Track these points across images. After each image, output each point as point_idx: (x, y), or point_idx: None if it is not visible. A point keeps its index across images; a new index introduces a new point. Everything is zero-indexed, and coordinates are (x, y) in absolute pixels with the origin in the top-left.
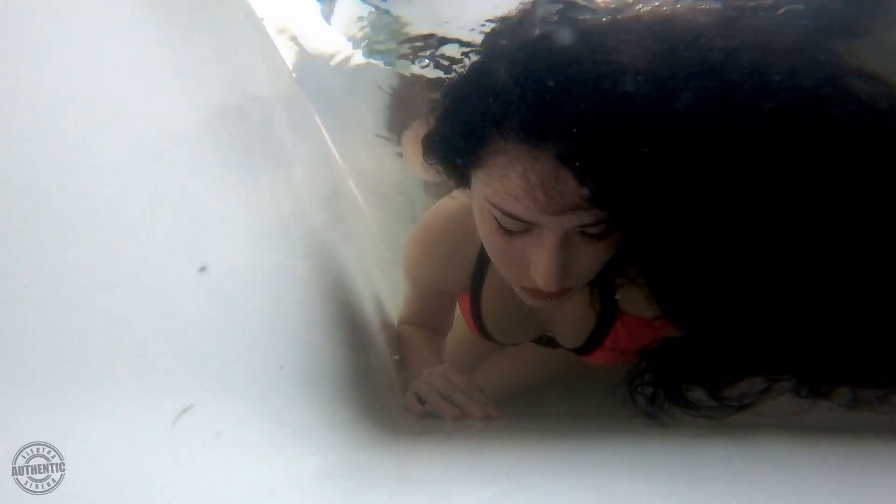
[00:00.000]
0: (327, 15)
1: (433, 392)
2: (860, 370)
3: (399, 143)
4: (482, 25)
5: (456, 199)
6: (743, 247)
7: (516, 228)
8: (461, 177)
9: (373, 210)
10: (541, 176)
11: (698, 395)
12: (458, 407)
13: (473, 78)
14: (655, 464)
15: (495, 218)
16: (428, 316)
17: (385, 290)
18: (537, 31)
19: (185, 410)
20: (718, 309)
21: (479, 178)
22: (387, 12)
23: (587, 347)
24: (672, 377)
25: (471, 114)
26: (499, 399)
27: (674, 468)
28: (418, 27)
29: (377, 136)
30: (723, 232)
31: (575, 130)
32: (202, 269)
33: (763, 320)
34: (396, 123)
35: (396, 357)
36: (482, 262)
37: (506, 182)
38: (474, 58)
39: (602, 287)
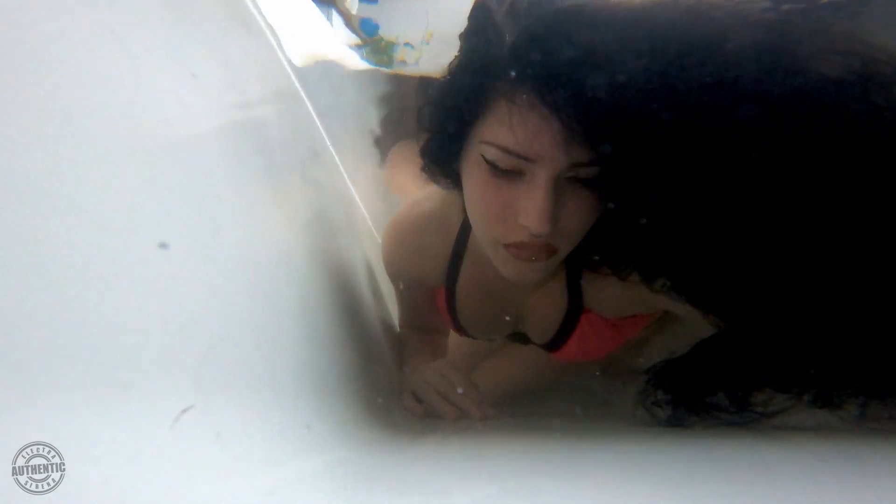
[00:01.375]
0: (330, 19)
1: (430, 391)
2: (877, 378)
3: (384, 160)
4: None
5: (428, 197)
6: (739, 219)
7: (511, 168)
8: (451, 160)
9: (373, 210)
10: (541, 111)
11: (717, 400)
12: (456, 406)
13: (474, 22)
14: (655, 464)
15: (489, 165)
16: (419, 315)
17: (386, 290)
18: None
19: (185, 411)
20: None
21: (475, 130)
22: (375, 29)
23: (555, 343)
24: (686, 387)
25: (475, 67)
26: (499, 399)
27: (674, 468)
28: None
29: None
30: (719, 198)
31: (574, 81)
32: (162, 245)
33: (770, 315)
34: (385, 142)
35: (397, 357)
36: (457, 255)
37: (505, 119)
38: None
39: (571, 280)
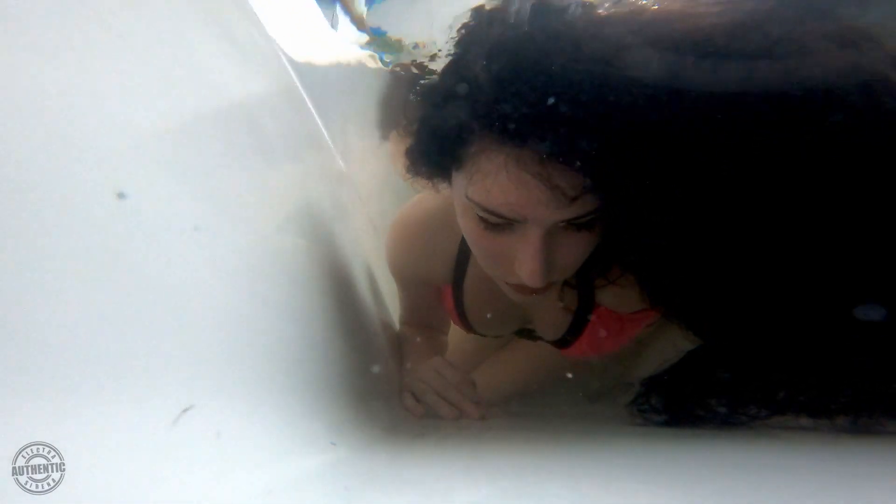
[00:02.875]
0: (334, 23)
1: (427, 390)
2: (869, 394)
3: (386, 141)
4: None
5: (433, 195)
6: (735, 239)
7: (500, 222)
8: (443, 177)
9: (373, 208)
10: (524, 173)
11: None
12: (454, 405)
13: (449, 78)
14: (656, 464)
15: (478, 216)
16: (421, 313)
17: (386, 290)
18: (512, 26)
19: (185, 410)
20: (711, 304)
21: (460, 178)
22: (382, 34)
23: (565, 340)
24: (676, 395)
25: (449, 115)
26: (505, 397)
27: (674, 468)
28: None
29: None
30: (715, 225)
31: (560, 128)
32: (120, 195)
33: (757, 327)
34: (386, 124)
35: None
36: (463, 253)
37: (488, 181)
38: (449, 57)
39: (580, 280)
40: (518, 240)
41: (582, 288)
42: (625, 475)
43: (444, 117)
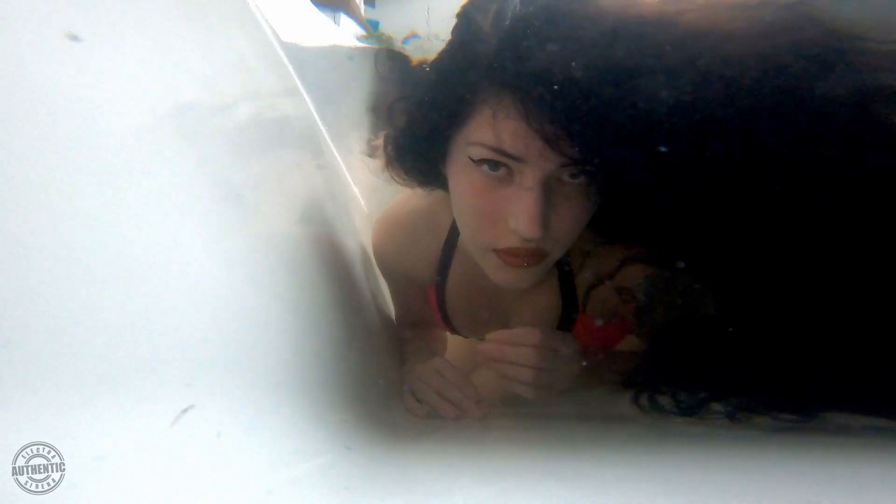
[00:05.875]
0: (336, 20)
1: (429, 391)
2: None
3: (375, 143)
4: None
5: (418, 193)
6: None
7: (500, 173)
8: (429, 161)
9: (372, 206)
10: (527, 112)
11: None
12: (454, 405)
13: (460, 35)
14: (655, 464)
15: (476, 166)
16: (412, 311)
17: (386, 288)
18: None
19: (185, 410)
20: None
21: (463, 131)
22: (375, 26)
23: None
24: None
25: (461, 70)
26: (502, 398)
27: (674, 468)
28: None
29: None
30: (706, 200)
31: (557, 82)
32: (120, 196)
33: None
34: (377, 125)
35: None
36: (447, 253)
37: (493, 120)
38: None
39: (562, 280)
40: (515, 191)
41: (565, 288)
42: (625, 475)
43: (455, 65)
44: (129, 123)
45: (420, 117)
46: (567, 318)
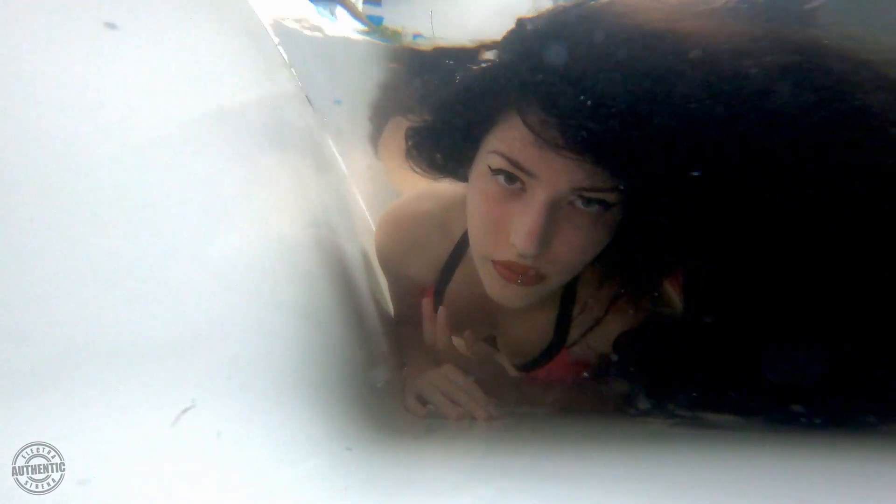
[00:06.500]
0: (332, 14)
1: (436, 392)
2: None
3: (377, 145)
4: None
5: (433, 196)
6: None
7: (512, 186)
8: (454, 157)
9: (372, 206)
10: (550, 131)
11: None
12: (462, 406)
13: (508, 49)
14: (656, 464)
15: (494, 177)
16: (410, 310)
17: (385, 286)
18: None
19: (185, 410)
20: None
21: (489, 139)
22: (380, 23)
23: (526, 368)
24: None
25: (494, 78)
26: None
27: (674, 468)
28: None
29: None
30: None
31: (590, 111)
32: (119, 194)
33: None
34: (378, 128)
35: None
36: (453, 260)
37: (515, 132)
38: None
39: (560, 318)
40: (523, 206)
41: (560, 326)
42: (625, 475)
43: (493, 81)
44: (131, 127)
45: (452, 118)
46: (550, 352)
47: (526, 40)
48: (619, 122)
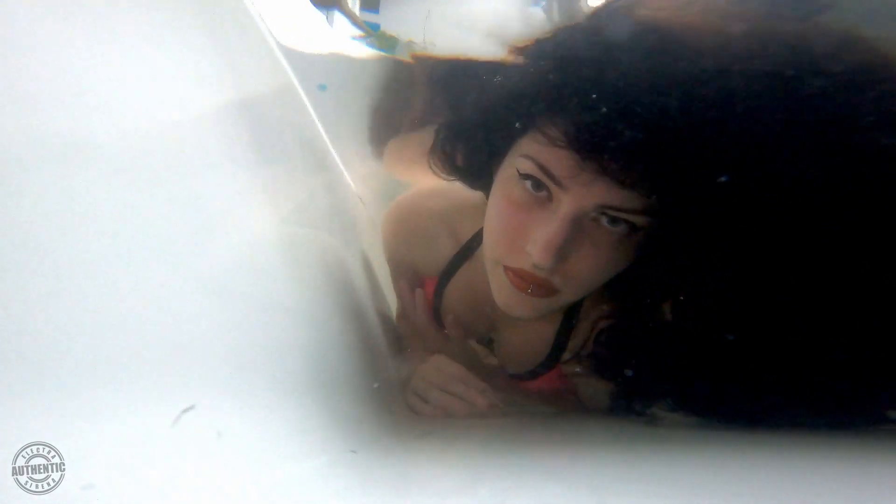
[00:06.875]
0: (330, 20)
1: (431, 388)
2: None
3: (380, 151)
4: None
5: (448, 192)
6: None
7: (539, 194)
8: (483, 163)
9: (372, 205)
10: (585, 143)
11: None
12: (459, 397)
13: (540, 55)
14: (657, 464)
15: (522, 182)
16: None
17: (387, 288)
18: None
19: (185, 410)
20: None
21: (521, 142)
22: (377, 29)
23: (521, 377)
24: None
25: (538, 87)
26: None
27: (675, 468)
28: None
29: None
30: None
31: (626, 126)
32: (119, 196)
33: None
34: (379, 134)
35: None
36: (460, 258)
37: (549, 140)
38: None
39: (560, 332)
40: (547, 216)
41: (559, 341)
42: (626, 475)
43: (530, 86)
44: (128, 128)
45: (488, 119)
46: (546, 365)
47: (565, 46)
48: (662, 132)
